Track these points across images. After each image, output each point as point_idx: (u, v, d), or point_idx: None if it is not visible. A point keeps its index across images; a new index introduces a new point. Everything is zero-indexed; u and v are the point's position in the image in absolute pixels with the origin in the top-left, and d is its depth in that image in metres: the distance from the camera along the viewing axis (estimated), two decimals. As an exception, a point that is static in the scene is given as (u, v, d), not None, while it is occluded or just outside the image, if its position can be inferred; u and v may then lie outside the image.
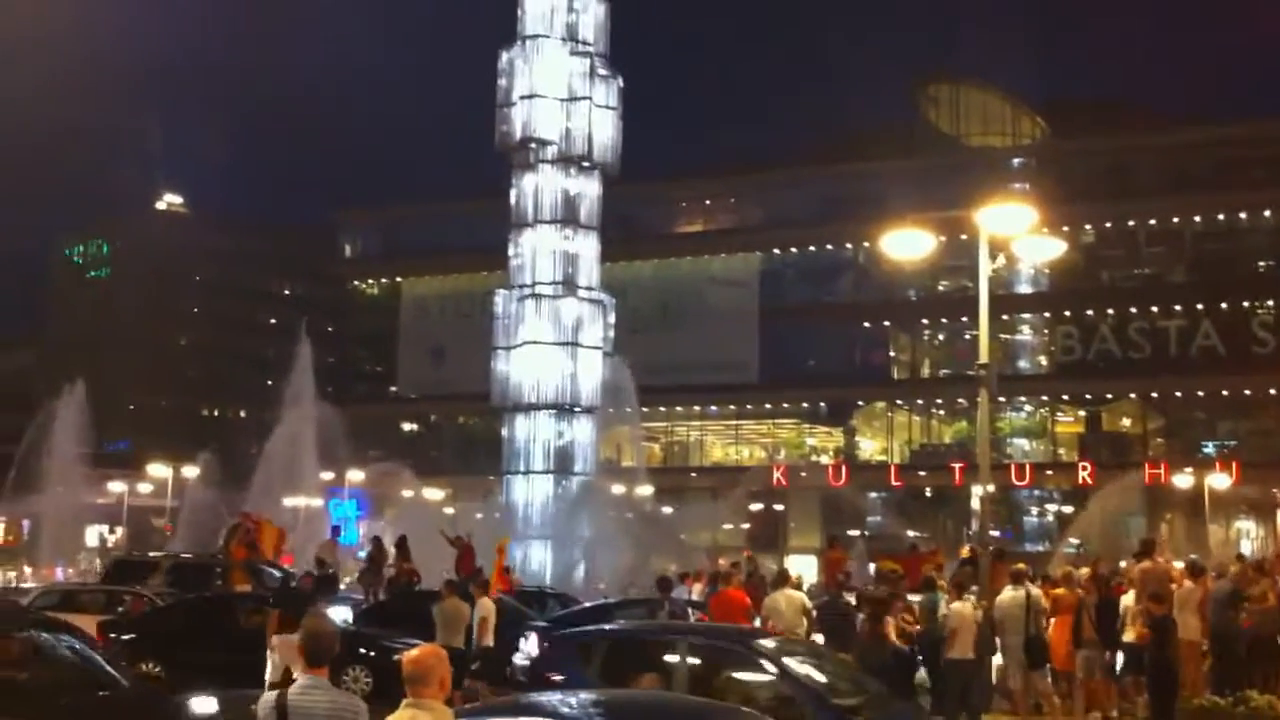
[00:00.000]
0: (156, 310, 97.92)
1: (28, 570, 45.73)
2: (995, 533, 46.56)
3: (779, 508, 58.44)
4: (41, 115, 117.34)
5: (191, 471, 50.94)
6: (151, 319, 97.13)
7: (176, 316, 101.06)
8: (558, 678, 11.60)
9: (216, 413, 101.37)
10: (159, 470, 55.62)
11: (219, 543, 29.35)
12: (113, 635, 18.26)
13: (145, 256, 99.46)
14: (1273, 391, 52.25)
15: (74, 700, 9.83)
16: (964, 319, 50.24)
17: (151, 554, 31.46)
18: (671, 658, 11.17)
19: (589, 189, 37.39)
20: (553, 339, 36.32)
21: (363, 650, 17.76)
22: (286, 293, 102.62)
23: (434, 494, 48.68)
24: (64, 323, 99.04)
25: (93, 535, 56.11)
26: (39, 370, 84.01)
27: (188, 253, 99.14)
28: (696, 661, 11.16)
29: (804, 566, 41.67)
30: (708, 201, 65.12)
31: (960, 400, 53.40)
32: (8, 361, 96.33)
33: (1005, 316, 53.63)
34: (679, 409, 60.56)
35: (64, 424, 40.93)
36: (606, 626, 15.05)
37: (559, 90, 36.69)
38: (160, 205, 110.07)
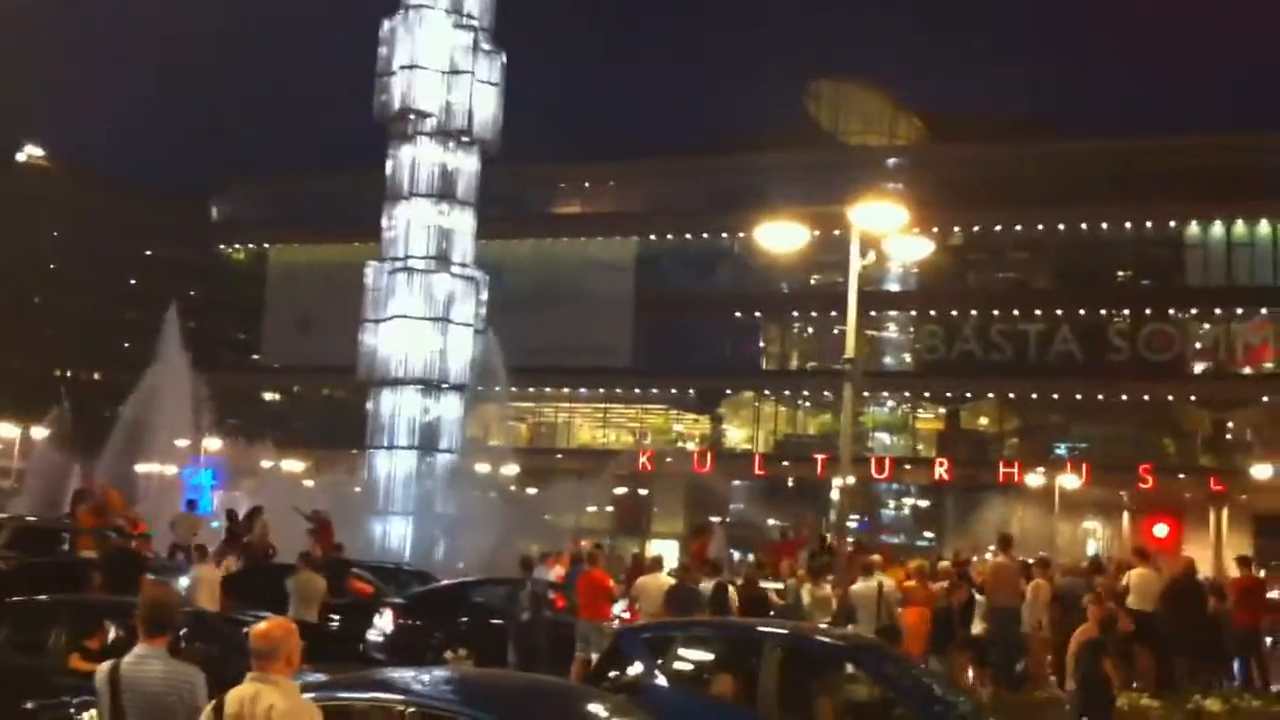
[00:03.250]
0: (8, 265, 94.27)
1: None
2: (854, 524, 47.50)
3: (644, 492, 58.70)
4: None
5: (40, 432, 49.30)
6: (3, 274, 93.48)
7: (31, 272, 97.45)
8: (626, 673, 10.56)
9: (70, 374, 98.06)
10: (6, 430, 53.64)
11: (65, 508, 28.44)
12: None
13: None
14: (1124, 398, 54.03)
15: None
16: (833, 314, 50.87)
17: (-6, 516, 30.26)
18: (754, 657, 10.41)
19: (467, 164, 36.91)
20: (423, 314, 35.82)
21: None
22: (149, 254, 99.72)
23: (294, 466, 47.77)
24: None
25: (-68, 496, 53.83)
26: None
27: (46, 208, 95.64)
28: (783, 662, 10.30)
29: (667, 551, 41.89)
30: (588, 185, 64.99)
31: (826, 393, 54.12)
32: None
33: (873, 313, 54.35)
34: (548, 390, 60.31)
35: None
36: (682, 621, 13.66)
37: (441, 63, 36.13)
38: (20, 157, 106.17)
